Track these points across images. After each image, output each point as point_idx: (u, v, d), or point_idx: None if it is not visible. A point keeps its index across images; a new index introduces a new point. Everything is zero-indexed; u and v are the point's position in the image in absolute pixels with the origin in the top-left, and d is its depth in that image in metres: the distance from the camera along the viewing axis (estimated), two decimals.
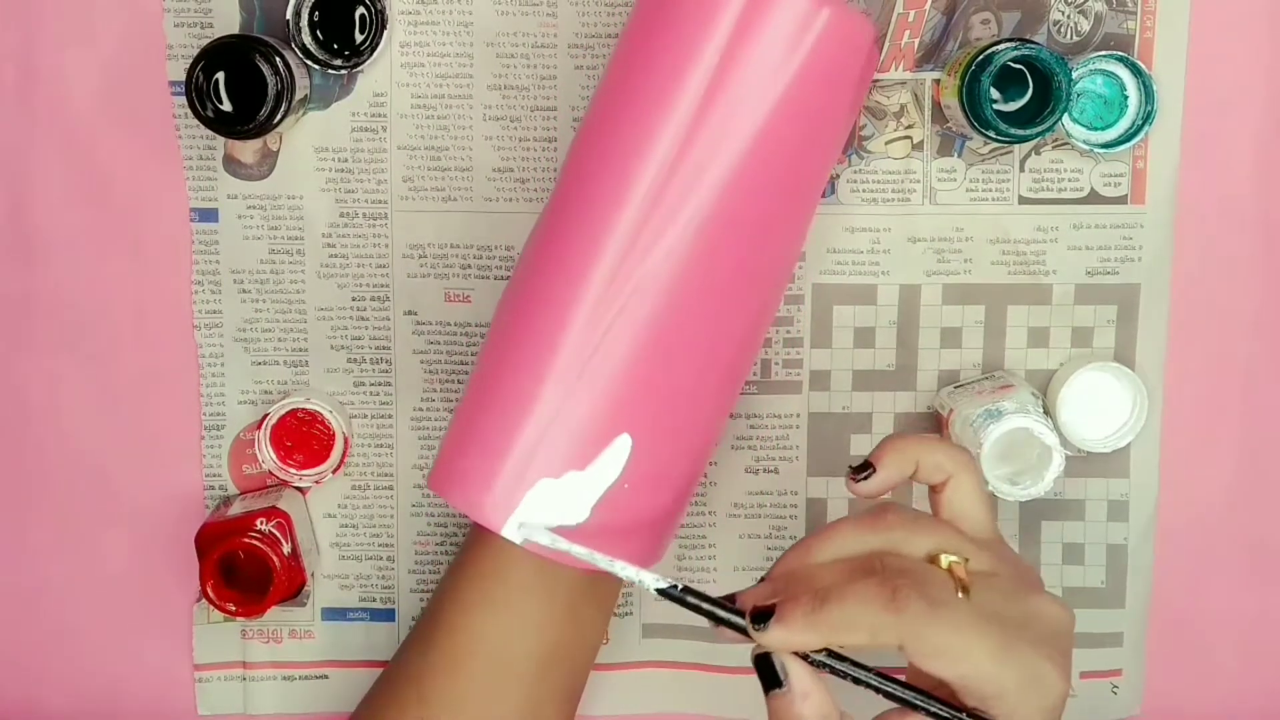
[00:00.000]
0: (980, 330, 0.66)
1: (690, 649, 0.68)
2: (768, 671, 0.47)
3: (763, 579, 0.49)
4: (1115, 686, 0.67)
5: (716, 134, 0.50)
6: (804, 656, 0.46)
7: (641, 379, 0.51)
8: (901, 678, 0.47)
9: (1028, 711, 0.46)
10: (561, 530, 0.50)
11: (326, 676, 0.68)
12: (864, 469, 0.51)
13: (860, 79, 0.53)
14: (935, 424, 0.66)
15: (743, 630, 0.47)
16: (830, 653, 0.46)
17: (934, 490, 0.51)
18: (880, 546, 0.48)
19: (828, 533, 0.49)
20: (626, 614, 0.68)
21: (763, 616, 0.46)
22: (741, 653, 0.67)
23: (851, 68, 0.52)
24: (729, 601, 0.48)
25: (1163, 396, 0.66)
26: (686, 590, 0.48)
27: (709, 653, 0.68)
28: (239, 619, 0.63)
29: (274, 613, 0.64)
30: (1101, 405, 0.65)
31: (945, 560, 0.47)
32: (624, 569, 0.48)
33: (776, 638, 0.46)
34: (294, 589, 0.65)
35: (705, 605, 0.48)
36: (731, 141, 0.50)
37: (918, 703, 0.46)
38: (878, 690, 0.46)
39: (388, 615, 0.68)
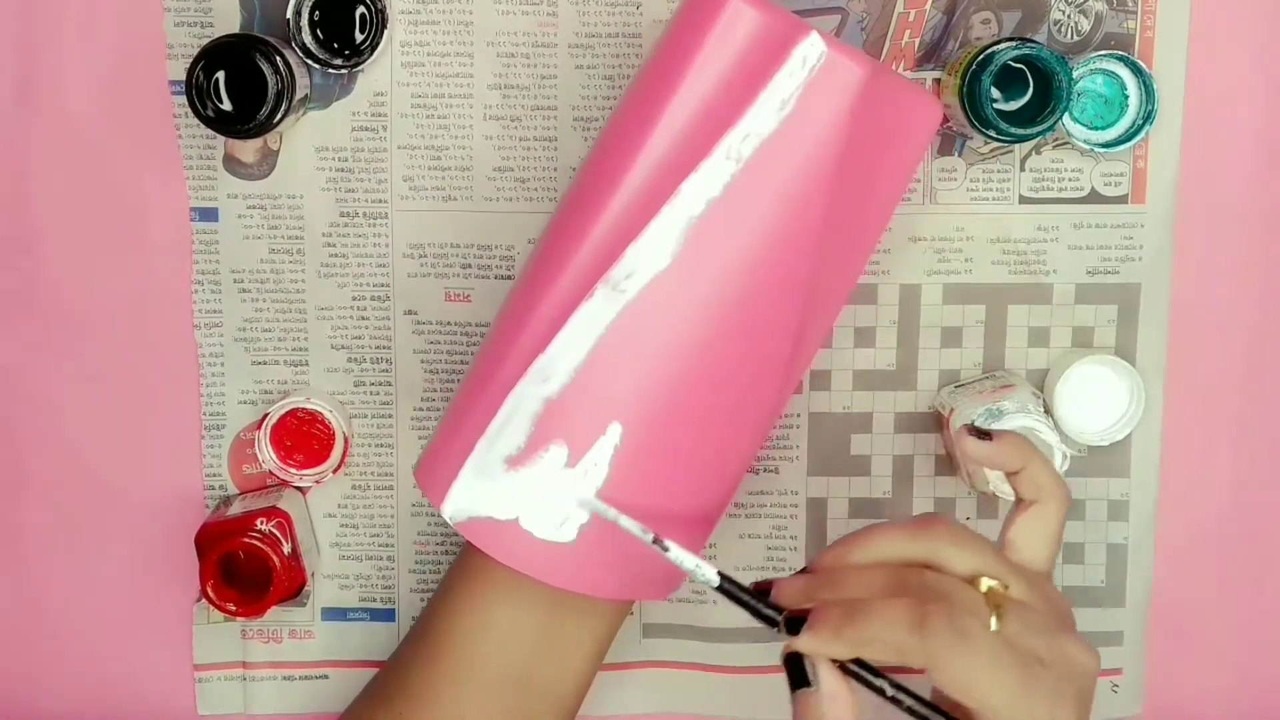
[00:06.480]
0: (981, 330, 0.66)
1: (690, 649, 0.68)
2: (798, 671, 0.47)
3: (804, 569, 0.50)
4: (1115, 686, 0.67)
5: (730, 173, 0.50)
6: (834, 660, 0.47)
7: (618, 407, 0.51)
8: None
9: None
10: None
11: (326, 676, 0.68)
12: (985, 435, 0.51)
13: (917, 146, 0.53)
14: (936, 423, 0.66)
15: (777, 628, 0.48)
16: (859, 661, 0.47)
17: (1018, 504, 0.51)
18: (923, 556, 0.49)
19: (874, 533, 0.50)
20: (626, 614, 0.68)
21: (795, 624, 0.47)
22: (739, 654, 0.67)
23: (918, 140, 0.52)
24: (767, 587, 0.49)
25: (1163, 396, 0.66)
26: (727, 580, 0.49)
27: (709, 653, 0.68)
28: (239, 619, 0.63)
29: (274, 613, 0.64)
30: (1099, 398, 0.65)
31: (985, 584, 0.48)
32: (676, 553, 0.49)
33: (806, 644, 0.47)
34: (294, 589, 0.65)
35: (746, 598, 0.49)
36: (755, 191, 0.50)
37: None
38: (899, 705, 0.47)
39: (388, 615, 0.68)
